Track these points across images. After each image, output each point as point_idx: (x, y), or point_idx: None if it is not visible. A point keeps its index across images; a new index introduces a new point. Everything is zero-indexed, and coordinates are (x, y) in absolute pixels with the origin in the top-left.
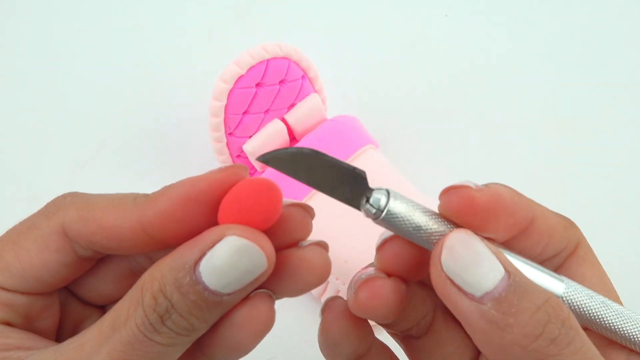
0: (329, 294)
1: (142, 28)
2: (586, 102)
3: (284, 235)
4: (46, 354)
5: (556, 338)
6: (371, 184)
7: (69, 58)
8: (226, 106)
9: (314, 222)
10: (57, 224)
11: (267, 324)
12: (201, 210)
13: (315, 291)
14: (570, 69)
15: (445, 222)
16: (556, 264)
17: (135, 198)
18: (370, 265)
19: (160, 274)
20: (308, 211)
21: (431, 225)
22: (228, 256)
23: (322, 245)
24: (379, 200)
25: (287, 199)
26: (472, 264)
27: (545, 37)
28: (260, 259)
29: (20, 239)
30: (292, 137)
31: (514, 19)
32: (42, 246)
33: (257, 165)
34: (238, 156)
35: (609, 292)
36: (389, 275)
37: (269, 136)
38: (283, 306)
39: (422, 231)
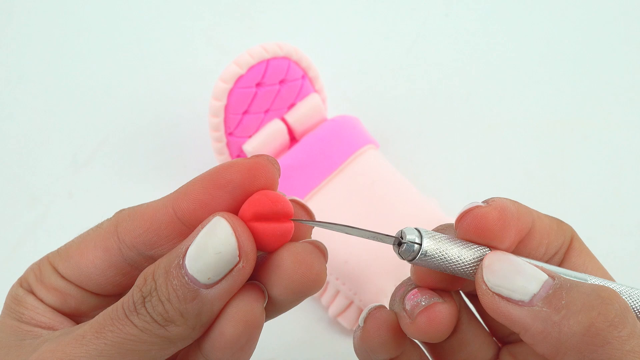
0: (329, 293)
1: (143, 28)
2: (586, 102)
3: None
4: (59, 331)
5: (613, 320)
6: (372, 185)
7: (69, 58)
8: (226, 106)
9: None
10: (113, 223)
11: (252, 315)
12: (229, 196)
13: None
14: (570, 68)
15: (474, 247)
16: (558, 260)
17: (174, 191)
18: (409, 280)
19: (159, 261)
20: (309, 214)
21: (464, 256)
22: (203, 234)
23: (317, 245)
24: (412, 246)
25: (291, 196)
26: (514, 274)
27: (545, 37)
28: (231, 242)
29: (87, 235)
30: (292, 137)
31: (514, 19)
32: (97, 243)
33: None
34: (238, 156)
35: (608, 278)
36: (425, 286)
37: (269, 136)
38: None
39: (455, 264)
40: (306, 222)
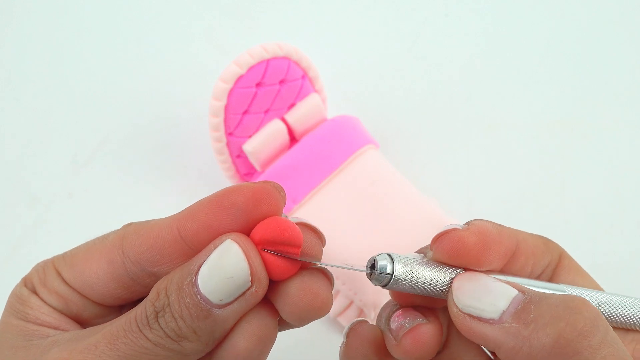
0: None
1: (143, 28)
2: (586, 102)
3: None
4: (67, 334)
5: (582, 329)
6: (372, 185)
7: (69, 58)
8: (226, 106)
9: (316, 222)
10: (119, 237)
11: (265, 329)
12: (232, 219)
13: None
14: (571, 68)
15: (448, 268)
16: (546, 278)
17: (178, 213)
18: (393, 300)
19: (172, 275)
20: (320, 238)
21: (437, 278)
22: (215, 256)
23: (324, 273)
24: (383, 273)
25: (300, 218)
26: (482, 293)
27: (546, 37)
28: (243, 268)
29: (94, 245)
30: (292, 137)
31: (514, 19)
32: (102, 255)
33: (257, 165)
34: (238, 156)
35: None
36: (407, 305)
37: (269, 136)
38: None
39: (429, 286)
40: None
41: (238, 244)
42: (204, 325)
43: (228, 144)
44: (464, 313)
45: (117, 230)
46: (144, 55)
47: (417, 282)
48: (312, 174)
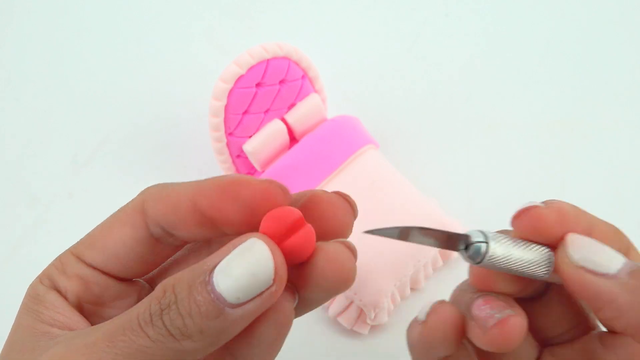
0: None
1: (143, 28)
2: (586, 102)
3: (321, 231)
4: (72, 333)
5: None
6: (372, 185)
7: (69, 58)
8: (226, 106)
9: None
10: (139, 201)
11: (282, 315)
12: (234, 204)
13: None
14: (571, 68)
15: (535, 247)
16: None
17: (197, 182)
18: (469, 286)
19: (180, 274)
20: (353, 208)
21: (526, 256)
22: (237, 254)
23: (347, 245)
24: (479, 248)
25: (331, 191)
26: (599, 249)
27: (546, 37)
28: (268, 263)
29: (111, 219)
30: (292, 137)
31: (514, 19)
32: (124, 221)
33: (257, 165)
34: (238, 156)
35: None
36: (486, 289)
37: (269, 136)
38: None
39: (519, 264)
40: (373, 233)
41: (263, 241)
42: (213, 324)
43: (228, 144)
44: (579, 266)
45: (135, 197)
46: (144, 55)
47: (508, 260)
48: (312, 174)
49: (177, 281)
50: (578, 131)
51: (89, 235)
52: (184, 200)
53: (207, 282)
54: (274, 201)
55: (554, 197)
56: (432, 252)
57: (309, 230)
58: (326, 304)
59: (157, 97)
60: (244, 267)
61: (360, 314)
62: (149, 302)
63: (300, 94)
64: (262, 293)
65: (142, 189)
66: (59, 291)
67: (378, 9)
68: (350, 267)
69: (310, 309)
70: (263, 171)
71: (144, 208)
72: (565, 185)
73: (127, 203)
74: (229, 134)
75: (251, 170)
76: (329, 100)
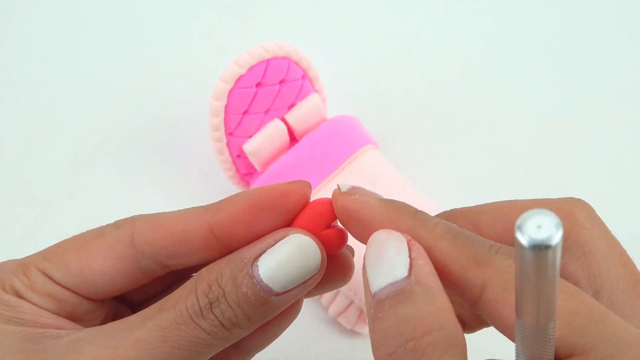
0: (329, 293)
1: (143, 28)
2: (586, 102)
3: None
4: (87, 332)
5: (400, 356)
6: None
7: (69, 58)
8: (226, 106)
9: None
10: (126, 234)
11: (299, 311)
12: (268, 217)
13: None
14: (571, 68)
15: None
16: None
17: (205, 206)
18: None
19: (218, 267)
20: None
21: None
22: (290, 249)
23: (349, 248)
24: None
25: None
26: (375, 263)
27: (546, 37)
28: (317, 257)
29: (87, 243)
30: (292, 137)
31: (514, 19)
32: (107, 252)
33: (257, 164)
34: (238, 156)
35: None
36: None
37: (269, 136)
38: None
39: None
40: None
41: (308, 236)
42: (260, 312)
43: (228, 144)
44: (364, 270)
45: (118, 224)
46: (144, 55)
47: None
48: (312, 174)
49: (219, 275)
50: (578, 131)
51: (58, 252)
52: (196, 226)
53: (251, 275)
54: (306, 199)
55: (554, 197)
56: None
57: (339, 226)
58: (326, 303)
59: (157, 97)
60: (291, 260)
61: (360, 314)
62: (195, 296)
63: (300, 94)
64: (306, 281)
65: (119, 220)
66: (33, 303)
67: (378, 9)
68: (351, 264)
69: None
70: (263, 171)
71: (134, 242)
72: (565, 185)
73: (106, 228)
74: (229, 134)
75: (251, 170)
76: (329, 100)
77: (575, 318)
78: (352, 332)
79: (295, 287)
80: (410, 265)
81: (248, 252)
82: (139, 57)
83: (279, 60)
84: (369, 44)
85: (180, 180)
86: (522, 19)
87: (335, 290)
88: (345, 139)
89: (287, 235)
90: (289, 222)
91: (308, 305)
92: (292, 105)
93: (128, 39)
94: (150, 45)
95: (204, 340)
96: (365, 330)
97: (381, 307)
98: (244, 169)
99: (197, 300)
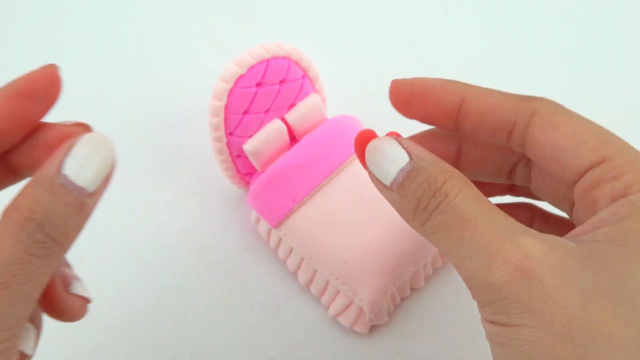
0: (329, 293)
1: (143, 28)
2: (587, 101)
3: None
4: None
5: (427, 206)
6: (372, 185)
7: (69, 58)
8: (226, 106)
9: (316, 222)
10: None
11: None
12: (38, 108)
13: (315, 292)
14: (571, 68)
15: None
16: (518, 142)
17: None
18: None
19: (30, 190)
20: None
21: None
22: (89, 145)
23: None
24: None
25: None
26: (380, 158)
27: (546, 37)
28: (111, 147)
29: None
30: (292, 137)
31: (514, 19)
32: None
33: (257, 164)
34: (238, 156)
35: (593, 134)
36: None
37: (269, 136)
38: (283, 307)
39: None
40: None
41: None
42: (82, 217)
43: (228, 144)
44: (374, 176)
45: None
46: (144, 55)
47: None
48: (313, 174)
49: (36, 196)
50: None
51: None
52: None
53: (65, 184)
54: (59, 84)
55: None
56: (432, 253)
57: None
58: (326, 303)
59: (157, 97)
60: (100, 155)
61: (360, 314)
62: (21, 228)
63: (300, 94)
64: (109, 173)
65: None
66: None
67: (378, 9)
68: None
69: None
70: (263, 171)
71: None
72: None
73: None
74: (229, 134)
75: (251, 170)
76: (329, 100)
77: (603, 136)
78: (352, 332)
79: (102, 182)
80: (407, 150)
81: (50, 161)
82: (139, 57)
83: (279, 60)
84: (369, 44)
85: (180, 180)
86: (522, 19)
87: (335, 290)
88: (345, 139)
89: (79, 137)
90: (49, 106)
91: (308, 305)
92: (292, 105)
93: (128, 39)
94: (150, 45)
95: (43, 266)
96: (365, 330)
97: (402, 188)
98: (244, 169)
99: (24, 230)
